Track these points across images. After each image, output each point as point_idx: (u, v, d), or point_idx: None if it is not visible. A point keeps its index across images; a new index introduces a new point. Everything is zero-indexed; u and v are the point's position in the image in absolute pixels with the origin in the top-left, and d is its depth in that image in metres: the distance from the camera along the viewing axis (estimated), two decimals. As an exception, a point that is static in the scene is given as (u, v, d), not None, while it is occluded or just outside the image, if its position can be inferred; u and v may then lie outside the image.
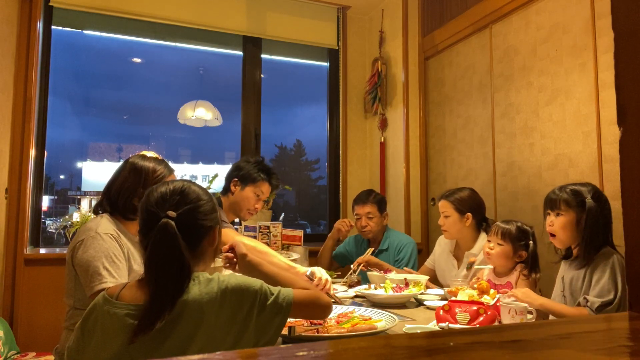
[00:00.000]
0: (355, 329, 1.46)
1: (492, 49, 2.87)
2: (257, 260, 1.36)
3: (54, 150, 3.56)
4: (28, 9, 2.92)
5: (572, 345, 0.53)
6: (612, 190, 2.01)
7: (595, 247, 1.69)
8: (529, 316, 1.60)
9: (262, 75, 3.73)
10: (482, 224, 2.38)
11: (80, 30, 3.34)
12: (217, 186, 2.87)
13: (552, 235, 1.81)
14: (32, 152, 2.90)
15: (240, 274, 1.16)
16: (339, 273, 2.82)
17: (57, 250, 2.99)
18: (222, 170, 2.81)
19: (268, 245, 2.47)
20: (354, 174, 3.84)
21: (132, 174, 1.67)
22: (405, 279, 2.15)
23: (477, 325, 1.48)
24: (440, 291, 2.18)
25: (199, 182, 1.56)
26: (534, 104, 2.55)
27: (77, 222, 2.96)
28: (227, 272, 1.42)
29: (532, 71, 2.57)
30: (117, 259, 1.51)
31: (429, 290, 2.19)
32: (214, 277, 1.09)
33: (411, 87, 3.48)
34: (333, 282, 2.37)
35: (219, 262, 1.48)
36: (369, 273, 2.39)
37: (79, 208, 3.55)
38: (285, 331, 1.38)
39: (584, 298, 1.66)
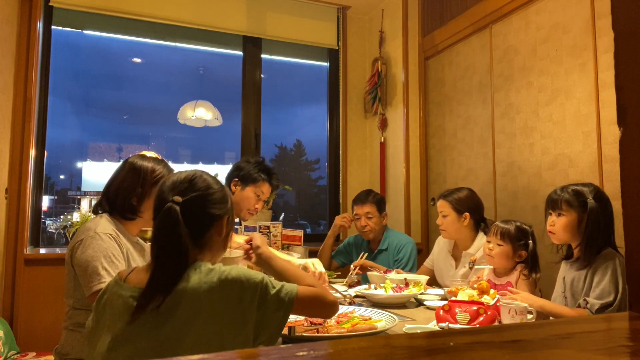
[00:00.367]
0: (355, 329, 1.46)
1: (492, 49, 2.87)
2: (269, 253, 1.39)
3: (54, 150, 3.56)
4: (28, 9, 2.92)
5: (572, 345, 0.53)
6: (612, 190, 2.01)
7: (596, 248, 1.69)
8: (529, 316, 1.60)
9: (262, 75, 3.73)
10: (480, 224, 2.39)
11: (80, 30, 3.34)
12: (217, 186, 2.86)
13: (552, 234, 1.81)
14: (32, 152, 2.90)
15: (243, 266, 1.15)
16: (339, 273, 2.82)
17: (57, 250, 2.99)
18: (222, 171, 2.81)
19: (268, 245, 2.47)
20: (354, 174, 3.84)
21: (131, 174, 1.66)
22: (405, 279, 2.15)
23: (477, 325, 1.48)
24: (440, 291, 2.18)
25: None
26: (534, 104, 2.55)
27: (77, 222, 2.96)
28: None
29: (532, 71, 2.57)
30: (116, 259, 1.51)
31: (429, 290, 2.19)
32: (216, 267, 1.09)
33: (411, 87, 3.48)
34: (333, 283, 2.37)
35: (235, 253, 1.50)
36: (369, 273, 2.39)
37: (78, 208, 3.55)
38: (285, 331, 1.38)
39: (584, 299, 1.66)
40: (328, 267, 2.85)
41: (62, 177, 4.73)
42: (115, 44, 3.73)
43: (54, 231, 3.78)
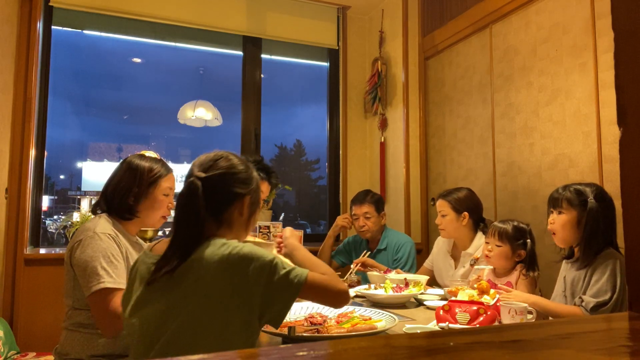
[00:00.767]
0: (355, 329, 1.46)
1: (492, 49, 2.87)
2: (295, 244, 1.48)
3: (54, 150, 3.55)
4: (28, 9, 2.92)
5: (572, 345, 0.53)
6: (612, 190, 2.01)
7: (596, 247, 1.68)
8: (529, 316, 1.60)
9: (262, 75, 3.73)
10: (479, 223, 2.39)
11: (80, 30, 3.34)
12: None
13: (553, 233, 1.81)
14: (32, 152, 2.90)
15: (257, 247, 1.16)
16: (339, 273, 2.82)
17: (57, 250, 2.98)
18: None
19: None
20: (354, 174, 3.84)
21: (128, 173, 1.65)
22: (405, 279, 2.15)
23: (477, 325, 1.48)
24: (440, 291, 2.18)
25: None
26: (534, 104, 2.55)
27: (77, 222, 2.96)
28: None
29: (532, 71, 2.57)
30: (115, 259, 1.50)
31: (429, 290, 2.19)
32: (230, 242, 1.12)
33: (411, 87, 3.48)
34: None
35: (270, 242, 1.59)
36: (369, 273, 2.39)
37: (78, 208, 3.55)
38: (285, 331, 1.38)
39: (579, 297, 1.66)
40: (328, 267, 2.84)
41: (62, 177, 4.73)
42: (115, 44, 3.73)
43: (54, 231, 3.78)
